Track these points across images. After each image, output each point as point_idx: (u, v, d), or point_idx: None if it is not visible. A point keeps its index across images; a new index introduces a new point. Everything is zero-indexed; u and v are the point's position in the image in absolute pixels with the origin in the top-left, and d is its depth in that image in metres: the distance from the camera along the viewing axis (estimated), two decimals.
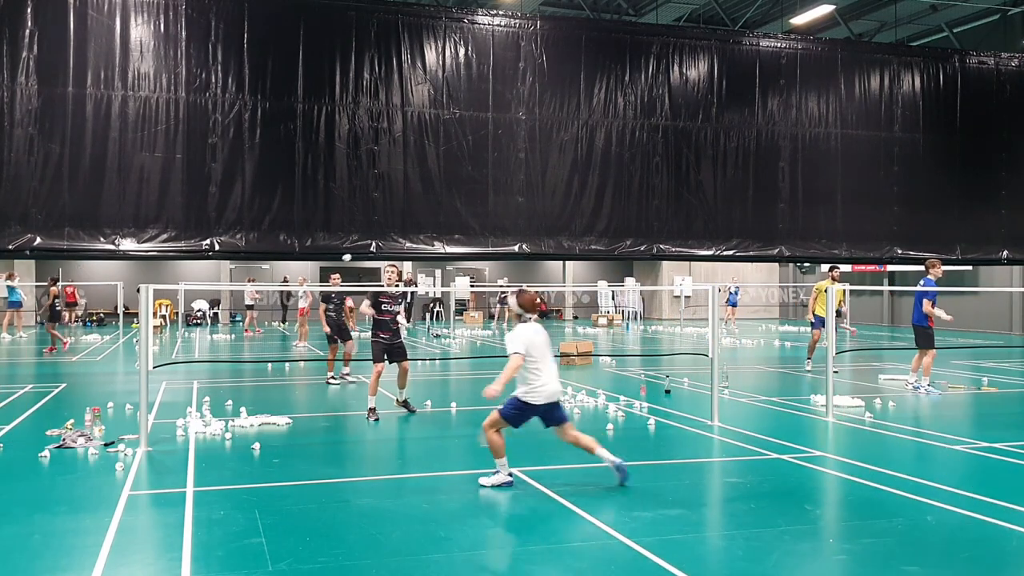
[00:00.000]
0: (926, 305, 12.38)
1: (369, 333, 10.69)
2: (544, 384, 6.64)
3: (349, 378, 13.69)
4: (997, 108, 18.31)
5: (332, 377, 13.51)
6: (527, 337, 6.64)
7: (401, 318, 10.66)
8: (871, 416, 10.36)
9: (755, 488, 6.96)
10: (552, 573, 5.06)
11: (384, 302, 10.38)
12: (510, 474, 6.84)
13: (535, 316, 6.88)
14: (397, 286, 10.87)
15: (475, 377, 15.06)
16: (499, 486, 6.77)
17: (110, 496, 6.56)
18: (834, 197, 17.22)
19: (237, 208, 13.83)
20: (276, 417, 9.80)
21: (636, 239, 15.97)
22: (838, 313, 15.57)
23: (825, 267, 16.86)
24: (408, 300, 25.48)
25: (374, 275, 36.19)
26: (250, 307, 26.38)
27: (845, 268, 31.97)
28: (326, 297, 13.83)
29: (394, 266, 10.94)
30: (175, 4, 13.60)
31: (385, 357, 10.36)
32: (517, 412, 6.69)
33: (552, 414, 6.79)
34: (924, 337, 12.57)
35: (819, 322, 15.68)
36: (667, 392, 12.38)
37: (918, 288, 12.44)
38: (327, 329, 13.63)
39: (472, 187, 15.01)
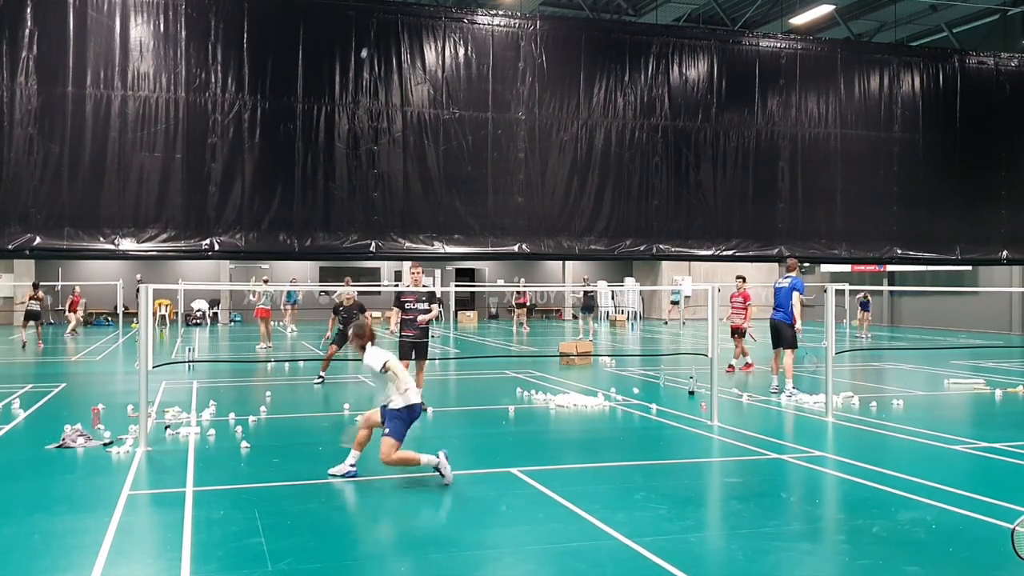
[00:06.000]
0: (795, 298, 12.13)
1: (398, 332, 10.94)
2: (412, 385, 7.14)
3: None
4: (997, 108, 18.29)
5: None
6: (384, 352, 7.23)
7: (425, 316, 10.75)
8: (858, 404, 10.31)
9: (755, 488, 6.96)
10: (552, 573, 5.05)
11: (407, 301, 10.65)
12: (353, 466, 7.21)
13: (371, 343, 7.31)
14: (425, 286, 11.16)
15: (475, 377, 15.05)
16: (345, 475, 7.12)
17: (110, 496, 6.56)
18: (834, 197, 17.19)
19: (237, 208, 13.82)
20: (276, 417, 9.79)
21: (636, 239, 15.96)
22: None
23: (825, 267, 16.87)
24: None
25: (373, 275, 36.19)
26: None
27: (844, 268, 31.90)
28: (335, 309, 14.22)
29: (418, 266, 11.18)
30: (175, 4, 13.59)
31: (412, 354, 10.64)
32: (404, 421, 7.04)
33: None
34: (791, 336, 12.27)
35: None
36: (691, 394, 12.17)
37: (785, 285, 12.27)
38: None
39: (472, 187, 15.00)
